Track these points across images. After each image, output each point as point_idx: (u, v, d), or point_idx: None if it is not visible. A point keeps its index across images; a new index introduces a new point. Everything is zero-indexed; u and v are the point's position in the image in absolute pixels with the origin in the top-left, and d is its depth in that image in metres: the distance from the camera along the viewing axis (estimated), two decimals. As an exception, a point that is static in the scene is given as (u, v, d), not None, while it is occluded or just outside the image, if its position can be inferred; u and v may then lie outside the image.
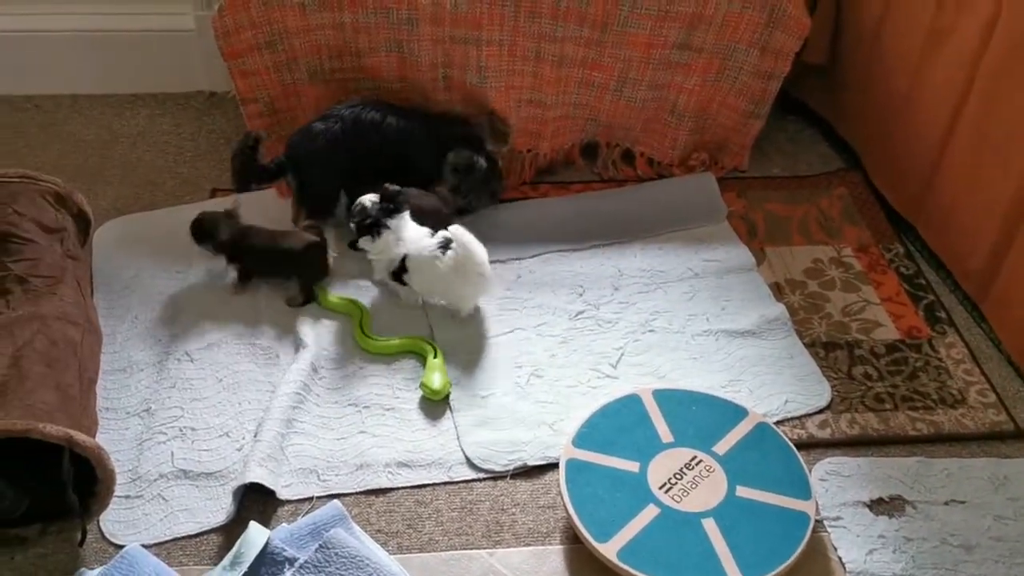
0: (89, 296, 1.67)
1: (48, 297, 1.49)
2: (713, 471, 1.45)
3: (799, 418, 1.62)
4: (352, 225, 1.76)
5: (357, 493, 1.49)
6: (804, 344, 1.74)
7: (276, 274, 1.82)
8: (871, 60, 2.03)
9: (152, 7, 2.29)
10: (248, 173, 1.86)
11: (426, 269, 1.73)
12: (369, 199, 1.75)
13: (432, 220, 1.79)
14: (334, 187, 1.92)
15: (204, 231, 1.79)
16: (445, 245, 1.71)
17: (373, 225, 1.73)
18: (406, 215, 1.75)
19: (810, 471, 1.50)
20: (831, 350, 1.74)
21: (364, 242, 1.75)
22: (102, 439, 1.49)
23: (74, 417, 1.35)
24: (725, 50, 2.02)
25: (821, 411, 1.63)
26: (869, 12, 2.01)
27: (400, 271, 1.75)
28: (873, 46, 2.01)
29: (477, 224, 1.96)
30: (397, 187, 1.75)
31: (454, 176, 1.94)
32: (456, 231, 1.70)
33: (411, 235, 1.74)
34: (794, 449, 1.49)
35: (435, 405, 1.62)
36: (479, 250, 1.70)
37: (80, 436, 1.29)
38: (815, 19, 2.05)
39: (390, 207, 1.74)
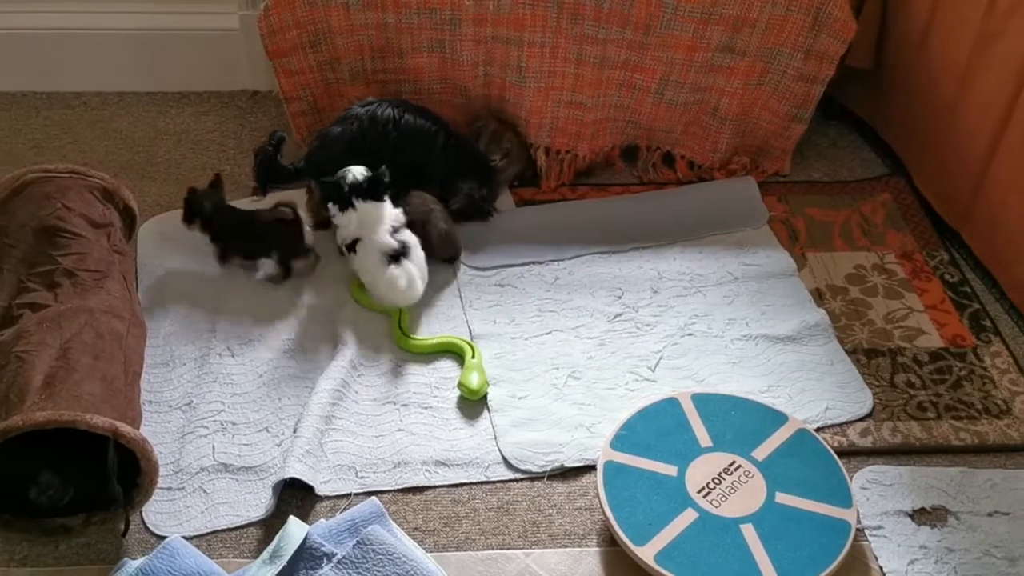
0: (134, 290, 1.69)
1: (95, 291, 1.52)
2: (752, 477, 1.44)
3: (840, 425, 1.60)
4: (327, 185, 1.77)
5: (395, 491, 1.50)
6: (845, 351, 1.73)
7: (254, 252, 1.84)
8: (917, 64, 2.00)
9: (198, 6, 2.32)
10: (268, 173, 1.89)
11: (366, 261, 1.75)
12: (357, 172, 1.75)
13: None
14: None
15: (191, 210, 1.82)
16: (396, 257, 1.74)
17: (342, 199, 1.74)
18: (384, 204, 1.76)
19: (851, 479, 1.48)
20: (873, 357, 1.72)
21: (330, 207, 1.77)
22: (145, 431, 1.50)
23: (119, 409, 1.37)
24: (769, 53, 2.00)
25: (863, 419, 1.61)
26: (916, 16, 1.98)
27: (349, 247, 1.77)
28: (920, 50, 1.98)
29: (516, 225, 1.97)
30: (388, 177, 1.76)
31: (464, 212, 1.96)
32: (413, 245, 1.75)
33: (372, 223, 1.75)
34: (835, 456, 1.47)
35: (473, 405, 1.63)
36: (414, 279, 1.75)
37: (125, 428, 1.31)
38: (860, 22, 2.02)
39: (369, 189, 1.74)
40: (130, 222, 1.79)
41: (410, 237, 1.77)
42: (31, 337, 1.39)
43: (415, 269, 1.76)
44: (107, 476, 1.34)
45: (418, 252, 1.78)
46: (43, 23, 2.32)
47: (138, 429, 1.41)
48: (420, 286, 1.77)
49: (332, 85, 2.03)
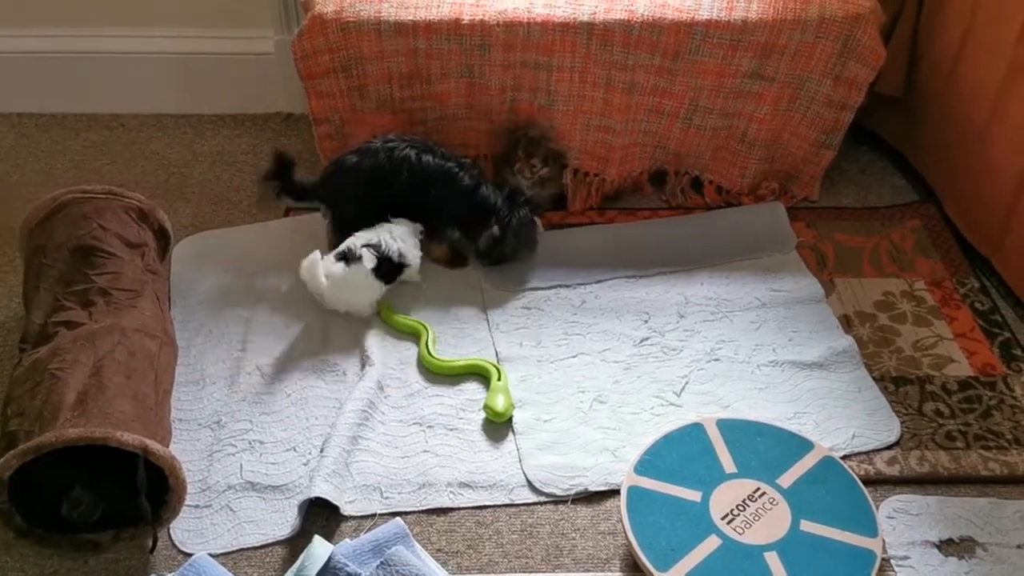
0: (167, 310, 1.72)
1: (129, 310, 1.55)
2: (777, 504, 1.43)
3: (867, 453, 1.59)
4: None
5: (419, 512, 1.50)
6: (873, 378, 1.71)
7: None
8: (948, 91, 1.99)
9: (234, 31, 2.37)
10: (289, 188, 1.92)
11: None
12: (364, 250, 1.79)
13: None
14: (365, 219, 1.89)
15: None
16: (344, 256, 1.78)
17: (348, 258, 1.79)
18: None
19: (877, 508, 1.47)
20: (901, 385, 1.71)
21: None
22: (174, 449, 1.53)
23: (149, 427, 1.39)
24: (798, 79, 2.00)
25: (890, 447, 1.60)
26: (947, 42, 1.98)
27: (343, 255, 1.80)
28: (950, 77, 1.98)
29: (544, 248, 1.98)
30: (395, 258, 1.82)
31: (486, 251, 1.95)
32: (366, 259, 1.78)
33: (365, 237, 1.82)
34: (861, 485, 1.46)
35: (498, 427, 1.64)
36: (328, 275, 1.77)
37: (155, 445, 1.33)
38: (890, 49, 2.02)
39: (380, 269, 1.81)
40: (164, 242, 1.83)
41: (371, 252, 1.79)
42: (65, 355, 1.42)
43: (343, 272, 1.77)
44: (136, 493, 1.36)
45: (364, 266, 1.78)
46: (83, 47, 2.38)
47: (168, 447, 1.43)
48: (325, 281, 1.76)
49: (359, 113, 2.05)
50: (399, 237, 1.85)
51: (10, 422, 1.38)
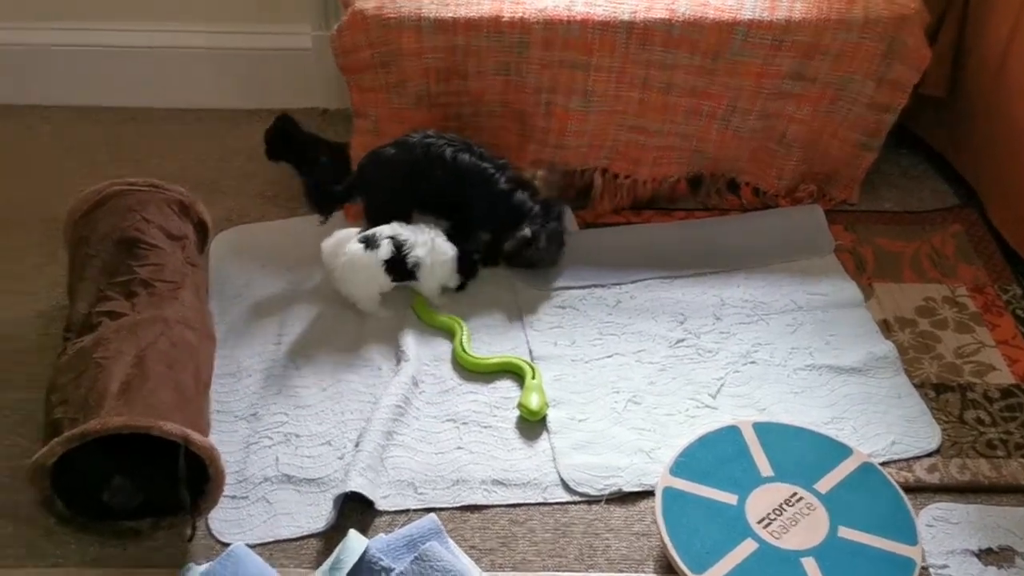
0: (206, 301, 1.73)
1: (170, 301, 1.56)
2: (814, 509, 1.42)
3: (906, 460, 1.57)
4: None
5: (453, 508, 1.51)
6: (914, 384, 1.69)
7: None
8: (994, 92, 1.96)
9: (272, 27, 2.38)
10: (327, 202, 1.93)
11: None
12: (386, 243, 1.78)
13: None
14: (399, 212, 1.89)
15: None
16: (367, 240, 1.77)
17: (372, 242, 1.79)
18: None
19: (917, 515, 1.45)
20: (942, 392, 1.69)
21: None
22: (213, 440, 1.54)
23: (190, 417, 1.40)
24: (840, 81, 1.98)
25: (930, 455, 1.58)
26: (994, 41, 1.95)
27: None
28: (997, 77, 1.95)
29: (579, 247, 1.98)
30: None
31: (515, 256, 1.92)
32: (383, 238, 1.78)
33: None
34: (901, 492, 1.45)
35: (532, 425, 1.63)
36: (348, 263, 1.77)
37: (196, 435, 1.34)
38: (935, 49, 2.00)
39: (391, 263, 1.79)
40: (204, 235, 1.84)
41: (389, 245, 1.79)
42: (109, 345, 1.44)
43: (358, 254, 1.77)
44: (176, 482, 1.38)
45: (378, 254, 1.77)
46: (127, 41, 2.40)
47: (207, 437, 1.44)
48: (343, 259, 1.77)
49: (396, 110, 2.04)
50: (432, 249, 1.80)
51: (55, 410, 1.39)
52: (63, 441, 1.30)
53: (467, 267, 1.87)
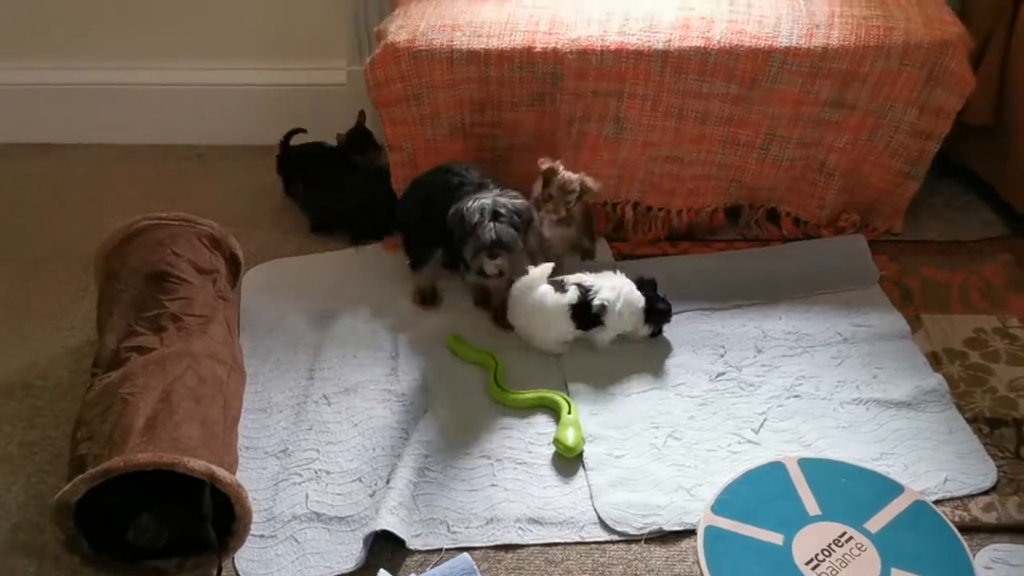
0: (236, 336, 1.72)
1: (199, 335, 1.55)
2: (865, 550, 1.35)
3: (961, 499, 1.50)
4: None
5: (487, 547, 1.46)
6: (966, 419, 1.62)
7: None
8: (1042, 119, 1.91)
9: (308, 63, 2.40)
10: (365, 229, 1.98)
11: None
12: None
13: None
14: (431, 243, 1.88)
15: None
16: (558, 284, 1.75)
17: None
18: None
19: (973, 557, 1.37)
20: (996, 427, 1.61)
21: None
22: (241, 477, 1.51)
23: (217, 453, 1.38)
24: (880, 108, 1.94)
25: (986, 492, 1.50)
26: (1039, 69, 1.90)
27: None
28: (1044, 104, 1.89)
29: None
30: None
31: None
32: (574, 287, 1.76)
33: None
34: (956, 532, 1.37)
35: (568, 462, 1.59)
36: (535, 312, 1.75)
37: (221, 472, 1.31)
38: (980, 76, 1.95)
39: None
40: (235, 269, 1.83)
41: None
42: (136, 380, 1.42)
43: (546, 297, 1.74)
44: (202, 520, 1.35)
45: (563, 299, 1.75)
46: (159, 79, 2.43)
47: (234, 474, 1.42)
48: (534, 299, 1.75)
49: (431, 141, 2.04)
50: (619, 296, 1.76)
51: (80, 446, 1.38)
52: (87, 478, 1.28)
53: (656, 316, 1.80)
